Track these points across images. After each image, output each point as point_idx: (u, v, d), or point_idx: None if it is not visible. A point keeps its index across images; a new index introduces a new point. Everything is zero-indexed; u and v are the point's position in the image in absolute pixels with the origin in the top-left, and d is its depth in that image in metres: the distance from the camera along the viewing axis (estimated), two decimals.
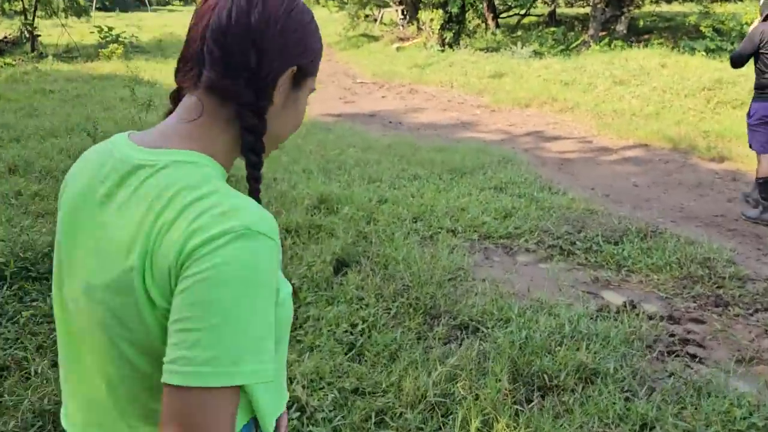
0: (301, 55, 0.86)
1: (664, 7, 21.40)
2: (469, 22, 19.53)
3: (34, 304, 3.02)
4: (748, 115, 4.81)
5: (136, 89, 10.30)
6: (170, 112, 0.90)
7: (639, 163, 6.38)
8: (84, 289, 0.82)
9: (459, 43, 14.59)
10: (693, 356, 2.95)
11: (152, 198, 0.77)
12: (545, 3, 23.09)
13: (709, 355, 2.96)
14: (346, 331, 2.92)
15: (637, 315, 3.24)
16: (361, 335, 2.91)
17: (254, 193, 0.86)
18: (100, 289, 0.79)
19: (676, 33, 16.78)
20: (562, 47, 15.48)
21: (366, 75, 13.23)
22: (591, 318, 3.20)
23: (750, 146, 4.83)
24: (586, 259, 3.95)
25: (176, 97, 0.90)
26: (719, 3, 22.07)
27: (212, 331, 0.70)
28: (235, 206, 0.76)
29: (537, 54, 13.39)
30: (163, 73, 13.05)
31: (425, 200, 4.79)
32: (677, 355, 2.92)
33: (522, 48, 13.37)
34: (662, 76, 9.74)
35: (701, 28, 16.46)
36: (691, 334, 3.14)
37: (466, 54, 13.58)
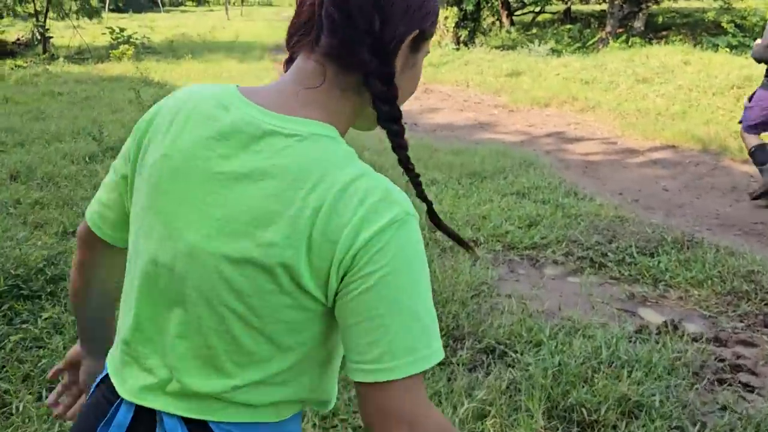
0: (424, 18, 0.80)
1: (682, 3, 20.98)
2: (484, 20, 19.25)
3: (24, 326, 2.79)
4: (749, 99, 5.01)
5: (144, 91, 10.13)
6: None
7: (668, 165, 6.06)
8: (188, 252, 0.76)
9: (474, 42, 14.29)
10: (746, 385, 2.66)
11: (296, 173, 0.73)
12: (561, 0, 22.77)
13: (764, 384, 2.67)
14: None
15: (680, 336, 2.96)
16: None
17: (406, 162, 0.83)
18: (214, 257, 0.75)
19: (695, 29, 16.39)
20: (578, 44, 15.17)
21: None
22: (629, 340, 2.92)
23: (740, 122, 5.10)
24: (620, 272, 3.66)
25: (289, 64, 0.84)
26: None
27: (405, 323, 0.71)
28: (388, 190, 0.74)
29: (555, 52, 13.06)
30: (174, 74, 12.87)
31: (444, 207, 4.53)
32: (728, 384, 2.63)
33: (539, 46, 13.04)
34: (686, 73, 9.38)
35: (722, 24, 16.06)
36: (741, 359, 2.85)
37: (482, 52, 13.29)
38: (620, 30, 15.29)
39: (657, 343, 2.88)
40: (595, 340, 2.85)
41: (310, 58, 0.79)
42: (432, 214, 0.88)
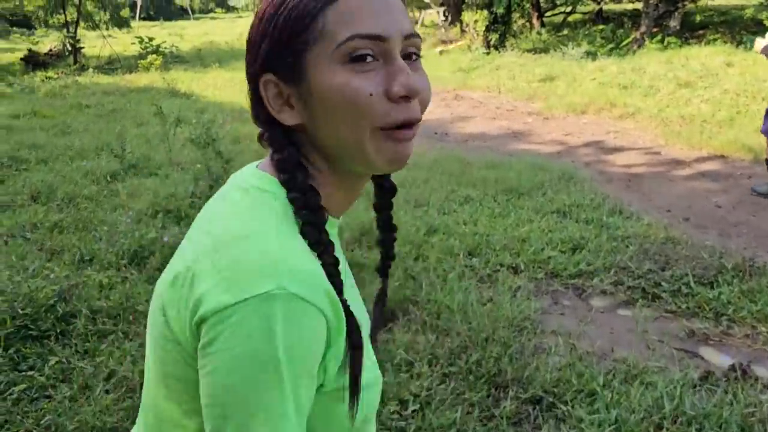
0: (264, 54, 0.69)
1: (719, 0, 20.28)
2: (515, 22, 18.86)
3: (30, 373, 2.59)
4: None
5: (170, 102, 10.04)
6: None
7: (717, 178, 5.67)
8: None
9: (505, 45, 13.94)
10: None
11: (203, 221, 0.71)
12: (593, 0, 22.25)
13: None
14: (393, 412, 2.40)
15: (752, 384, 2.63)
16: (413, 417, 2.39)
17: (318, 244, 0.68)
18: (154, 305, 0.73)
19: (734, 27, 15.75)
20: (612, 45, 14.71)
21: None
22: (694, 388, 2.60)
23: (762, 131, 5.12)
24: (676, 304, 3.33)
25: None
26: None
27: (229, 419, 0.61)
28: (261, 260, 0.62)
29: (589, 54, 12.64)
30: (201, 83, 12.80)
31: (480, 229, 4.24)
32: None
33: (573, 49, 12.64)
34: (731, 76, 8.92)
35: (764, 21, 15.41)
36: None
37: (513, 56, 12.94)
38: (655, 30, 14.77)
39: (726, 392, 2.56)
40: (656, 389, 2.55)
41: None
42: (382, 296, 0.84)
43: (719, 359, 2.88)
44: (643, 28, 15.70)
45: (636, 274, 3.60)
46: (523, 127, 8.06)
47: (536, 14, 19.45)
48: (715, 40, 12.77)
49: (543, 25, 19.45)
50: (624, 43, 15.31)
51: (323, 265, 0.66)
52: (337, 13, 0.65)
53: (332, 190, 0.73)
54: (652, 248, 3.94)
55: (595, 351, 2.92)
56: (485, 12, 14.10)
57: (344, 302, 0.66)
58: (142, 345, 2.79)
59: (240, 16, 48.57)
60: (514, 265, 3.76)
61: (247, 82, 0.72)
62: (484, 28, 14.17)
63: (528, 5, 17.09)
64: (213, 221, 0.70)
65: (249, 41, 0.71)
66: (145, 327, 3.20)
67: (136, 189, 5.12)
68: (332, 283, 0.65)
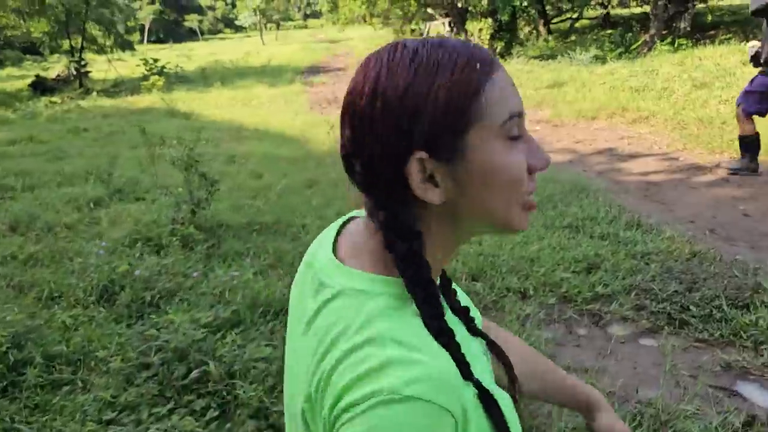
0: (412, 134, 0.65)
1: (727, 0, 19.85)
2: (520, 29, 18.57)
3: None
4: (750, 83, 5.29)
5: (168, 122, 9.80)
6: None
7: (742, 183, 5.26)
8: (288, 417, 0.77)
9: (511, 53, 13.60)
10: None
11: (321, 335, 0.68)
12: (599, 4, 21.95)
13: None
14: None
15: None
16: None
17: (440, 335, 0.66)
18: (292, 416, 0.73)
19: (746, 26, 15.31)
20: (621, 50, 14.36)
21: None
22: None
23: (738, 104, 5.31)
24: (708, 332, 2.94)
25: None
26: None
27: None
28: (387, 361, 0.61)
29: (598, 59, 12.26)
30: (201, 102, 12.59)
31: (484, 249, 3.87)
32: None
33: (581, 53, 12.27)
34: (748, 75, 8.48)
35: None
36: None
37: (520, 63, 12.59)
38: (665, 32, 14.38)
39: None
40: None
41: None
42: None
43: (763, 399, 2.49)
44: (652, 31, 15.30)
45: (660, 297, 3.21)
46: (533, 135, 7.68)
47: (542, 21, 19.16)
48: (728, 39, 12.35)
49: (550, 32, 19.16)
50: (634, 46, 14.93)
51: (450, 353, 0.65)
52: (494, 89, 0.66)
53: (439, 253, 0.72)
54: (677, 266, 3.55)
55: (617, 390, 2.54)
56: (489, 20, 13.79)
57: (479, 386, 0.66)
58: (98, 398, 2.45)
59: (248, 36, 48.77)
60: (522, 290, 3.39)
61: (374, 159, 0.67)
62: (489, 36, 13.84)
63: (533, 12, 16.77)
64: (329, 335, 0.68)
65: (382, 115, 0.65)
66: (107, 372, 2.90)
67: (119, 215, 4.82)
68: (460, 369, 0.65)
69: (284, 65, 19.97)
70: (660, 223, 4.39)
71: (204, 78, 16.96)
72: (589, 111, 8.35)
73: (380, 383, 0.60)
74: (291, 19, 56.30)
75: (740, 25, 15.51)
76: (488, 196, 0.67)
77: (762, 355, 2.74)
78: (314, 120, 9.40)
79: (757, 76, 5.23)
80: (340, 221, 0.79)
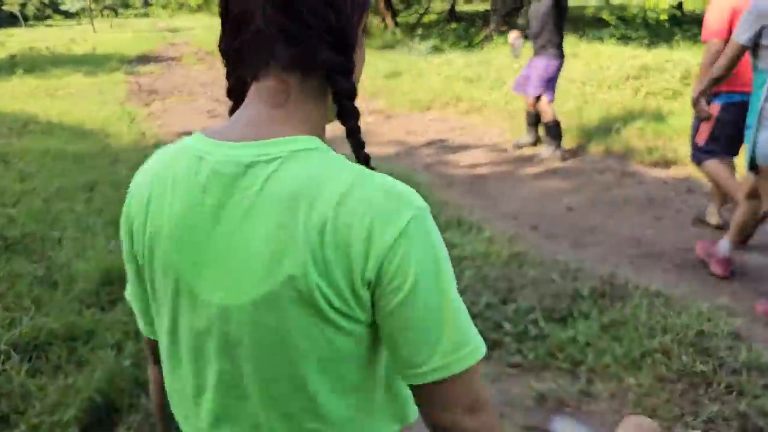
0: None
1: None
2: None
3: None
4: (532, 68, 5.44)
5: None
6: (233, 109, 0.83)
7: (568, 174, 5.03)
8: (218, 314, 0.74)
9: None
10: None
11: (289, 197, 0.69)
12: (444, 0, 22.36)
13: None
14: None
15: None
16: None
17: (365, 161, 0.81)
18: (243, 310, 0.72)
19: (578, 23, 16.06)
20: (465, 43, 14.48)
21: None
22: None
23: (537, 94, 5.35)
24: (522, 354, 2.46)
25: (236, 93, 0.82)
26: None
27: (449, 320, 0.72)
28: (390, 190, 0.72)
29: (437, 49, 12.09)
30: None
31: None
32: None
33: (420, 43, 12.04)
34: (577, 66, 8.58)
35: (604, 17, 15.83)
36: None
37: None
38: (504, 28, 14.69)
39: None
40: None
41: (268, 76, 0.76)
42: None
43: None
44: (492, 25, 15.59)
45: (471, 313, 2.71)
46: (362, 128, 7.14)
47: (390, 14, 19.03)
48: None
49: (397, 24, 19.08)
50: (476, 40, 15.13)
51: None
52: None
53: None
54: (493, 272, 3.09)
55: None
56: None
57: None
58: None
59: (80, 23, 44.53)
60: None
61: (342, 15, 0.75)
62: None
63: (378, 3, 16.47)
64: (308, 193, 0.70)
65: None
66: None
67: None
68: None
69: (110, 54, 18.06)
70: (482, 220, 3.96)
71: (12, 66, 14.80)
72: (423, 101, 7.97)
73: (404, 209, 0.70)
74: (131, 6, 52.25)
75: (572, 21, 16.22)
76: (363, 58, 0.83)
77: (579, 380, 2.30)
78: (123, 112, 8.24)
79: (533, 59, 5.36)
80: (192, 136, 0.79)
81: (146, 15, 52.41)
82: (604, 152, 5.46)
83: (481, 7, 22.38)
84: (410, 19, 21.09)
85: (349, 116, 0.77)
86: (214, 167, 0.73)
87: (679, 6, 17.09)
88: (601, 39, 12.49)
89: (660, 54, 8.39)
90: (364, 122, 7.47)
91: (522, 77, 5.60)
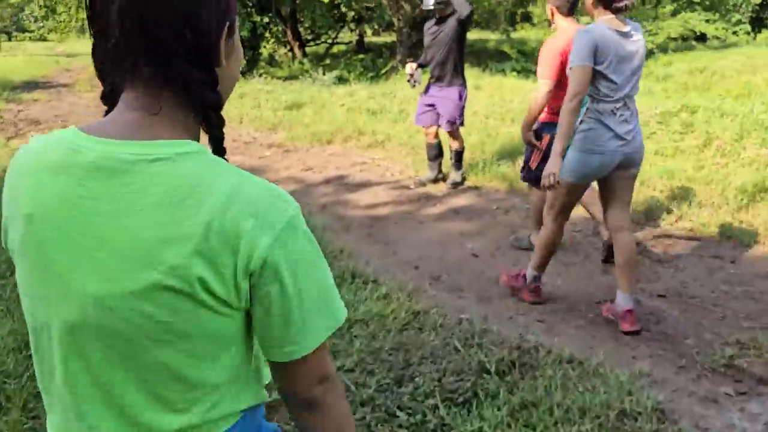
0: (230, 8, 0.81)
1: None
2: (274, 50, 17.84)
3: None
4: (430, 95, 5.34)
5: None
6: (108, 111, 0.85)
7: (472, 215, 4.73)
8: (95, 303, 0.76)
9: (253, 72, 12.56)
10: None
11: (176, 194, 0.74)
12: (351, 31, 22.36)
13: None
14: None
15: None
16: None
17: (221, 150, 0.85)
18: (122, 298, 0.75)
19: (481, 56, 16.34)
20: (372, 74, 14.34)
21: None
22: None
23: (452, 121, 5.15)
24: None
25: (110, 98, 0.85)
26: (519, 29, 22.71)
27: (316, 305, 0.80)
28: (270, 191, 0.78)
29: (341, 80, 11.79)
30: None
31: None
32: None
33: (324, 74, 11.70)
34: (480, 99, 8.49)
35: (506, 50, 16.19)
36: None
37: (261, 83, 11.58)
38: (410, 59, 14.68)
39: None
40: None
41: (137, 84, 0.79)
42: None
43: None
44: (398, 57, 15.55)
45: (359, 399, 2.25)
46: (258, 163, 6.63)
47: (297, 43, 18.72)
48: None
49: (305, 54, 18.80)
50: (383, 71, 15.03)
51: None
52: None
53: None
54: (388, 342, 2.65)
55: None
56: None
57: None
58: None
59: None
60: None
61: (199, 30, 0.76)
62: None
63: (276, 29, 16.08)
64: (192, 193, 0.74)
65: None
66: None
67: None
68: None
69: None
70: (380, 271, 3.54)
71: None
72: (324, 134, 7.55)
73: (284, 209, 0.77)
74: (27, 30, 49.11)
75: (476, 54, 16.46)
76: (236, 69, 0.86)
77: None
78: None
79: (441, 90, 5.19)
80: (68, 129, 0.80)
81: (43, 39, 49.41)
82: (508, 189, 5.21)
83: (390, 39, 22.55)
84: (319, 49, 20.91)
85: (212, 126, 0.81)
86: (94, 161, 0.75)
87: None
88: (503, 72, 12.65)
89: None
90: (260, 156, 6.96)
91: (425, 109, 5.34)
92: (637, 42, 2.74)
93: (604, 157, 2.73)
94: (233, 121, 9.23)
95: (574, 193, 2.89)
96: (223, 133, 0.82)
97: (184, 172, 0.74)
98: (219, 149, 0.82)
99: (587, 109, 2.75)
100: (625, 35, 2.70)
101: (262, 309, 0.78)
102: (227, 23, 0.79)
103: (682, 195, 4.65)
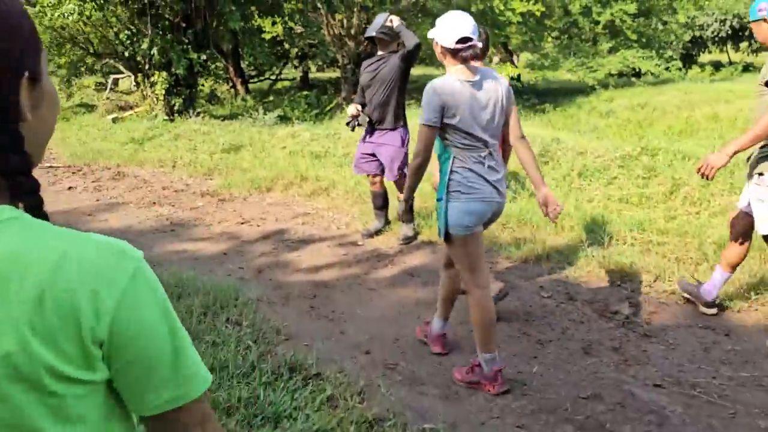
0: (25, 55, 0.73)
1: (419, 70, 21.36)
2: (213, 87, 17.25)
3: None
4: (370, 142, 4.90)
5: None
6: None
7: (428, 277, 4.18)
8: None
9: (190, 111, 11.88)
10: None
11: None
12: (295, 67, 22.06)
13: None
14: None
15: None
16: None
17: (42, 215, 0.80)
18: None
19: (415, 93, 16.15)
20: (316, 111, 13.89)
21: (63, 156, 9.83)
22: None
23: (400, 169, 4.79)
24: None
25: None
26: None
27: (184, 353, 0.78)
28: (101, 248, 0.73)
29: (283, 119, 11.25)
30: None
31: None
32: None
33: (265, 114, 11.13)
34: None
35: None
36: None
37: (198, 123, 10.91)
38: (354, 96, 14.34)
39: None
40: None
41: None
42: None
43: None
44: (343, 93, 15.20)
45: None
46: (188, 215, 5.96)
47: (240, 80, 18.18)
48: (412, 103, 12.45)
49: (248, 91, 18.28)
50: (327, 108, 14.63)
51: None
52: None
53: None
54: None
55: None
56: (165, 73, 11.93)
57: None
58: None
59: None
60: None
61: None
62: (164, 92, 11.95)
63: (217, 66, 15.50)
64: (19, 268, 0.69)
65: None
66: None
67: None
68: None
69: None
70: (324, 359, 2.95)
71: None
72: (264, 180, 6.95)
73: (122, 264, 0.72)
74: None
75: (420, 91, 16.23)
76: (51, 117, 0.78)
77: None
78: None
79: (382, 135, 4.76)
80: None
81: None
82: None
83: (335, 74, 22.33)
84: (263, 86, 20.48)
85: (23, 193, 0.73)
86: None
87: (518, 77, 17.93)
88: None
89: None
90: (192, 207, 6.29)
91: (365, 157, 4.91)
92: (490, 90, 2.67)
93: (482, 204, 2.70)
94: (166, 166, 8.52)
95: (472, 245, 2.76)
96: (39, 200, 0.74)
97: (16, 238, 0.69)
98: (39, 217, 0.74)
99: (455, 159, 2.69)
100: (475, 85, 2.63)
101: (124, 371, 0.74)
102: (24, 74, 0.72)
103: (656, 250, 4.25)
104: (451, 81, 2.61)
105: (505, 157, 3.55)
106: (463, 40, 2.56)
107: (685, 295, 3.55)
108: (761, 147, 3.03)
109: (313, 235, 5.21)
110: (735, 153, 2.96)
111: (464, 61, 2.61)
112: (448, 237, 2.75)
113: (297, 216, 5.78)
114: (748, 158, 3.15)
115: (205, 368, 0.81)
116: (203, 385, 0.79)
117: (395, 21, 4.53)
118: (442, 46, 2.63)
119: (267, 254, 4.75)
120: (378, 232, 5.02)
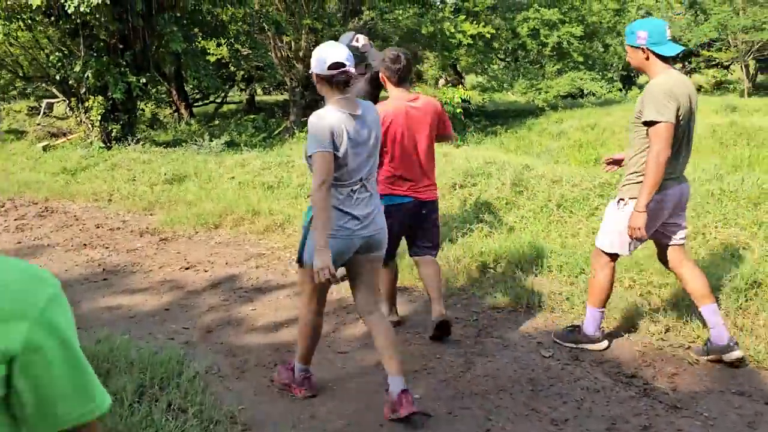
0: None
1: None
2: (155, 111, 16.37)
3: None
4: None
5: None
6: None
7: (405, 333, 3.62)
8: None
9: (129, 138, 11.03)
10: None
11: None
12: (241, 90, 21.38)
13: None
14: None
15: None
16: None
17: None
18: None
19: None
20: (264, 135, 13.27)
21: None
22: None
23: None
24: None
25: None
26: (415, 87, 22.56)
27: (84, 375, 0.87)
28: (25, 269, 0.82)
29: (231, 145, 10.56)
30: None
31: None
32: None
33: (212, 140, 10.42)
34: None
35: None
36: None
37: (138, 151, 10.10)
38: (303, 119, 13.81)
39: None
40: None
41: None
42: None
43: None
44: (292, 117, 14.61)
45: None
46: (124, 259, 5.22)
47: (184, 104, 17.37)
48: None
49: (192, 115, 17.48)
50: (276, 132, 14.02)
51: None
52: None
53: None
54: None
55: None
56: (100, 98, 11.07)
57: None
58: None
59: None
60: None
61: None
62: (100, 118, 11.08)
63: (158, 89, 14.69)
64: None
65: None
66: None
67: None
68: None
69: None
70: None
71: None
72: (211, 216, 6.26)
73: (40, 290, 0.81)
74: None
75: None
76: None
77: None
78: None
79: None
80: None
81: None
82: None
83: (282, 97, 21.80)
84: (208, 109, 19.75)
85: None
86: None
87: (467, 100, 17.78)
88: None
89: (472, 154, 7.69)
90: (129, 249, 5.55)
91: None
92: (370, 124, 2.65)
93: (341, 241, 2.62)
94: (101, 200, 7.71)
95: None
96: None
97: None
98: None
99: None
100: (357, 118, 2.60)
101: (28, 389, 0.79)
102: None
103: (660, 293, 3.80)
104: (333, 111, 2.57)
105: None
106: (335, 65, 2.51)
107: (711, 357, 3.11)
108: (629, 174, 3.06)
109: (269, 281, 4.57)
110: (647, 204, 2.89)
111: (342, 91, 2.56)
112: (301, 263, 2.74)
113: (250, 258, 5.13)
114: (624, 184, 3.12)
115: (104, 393, 0.90)
116: (99, 409, 0.88)
117: (361, 40, 4.00)
118: (316, 75, 2.59)
119: (216, 308, 4.08)
120: (344, 278, 4.44)
